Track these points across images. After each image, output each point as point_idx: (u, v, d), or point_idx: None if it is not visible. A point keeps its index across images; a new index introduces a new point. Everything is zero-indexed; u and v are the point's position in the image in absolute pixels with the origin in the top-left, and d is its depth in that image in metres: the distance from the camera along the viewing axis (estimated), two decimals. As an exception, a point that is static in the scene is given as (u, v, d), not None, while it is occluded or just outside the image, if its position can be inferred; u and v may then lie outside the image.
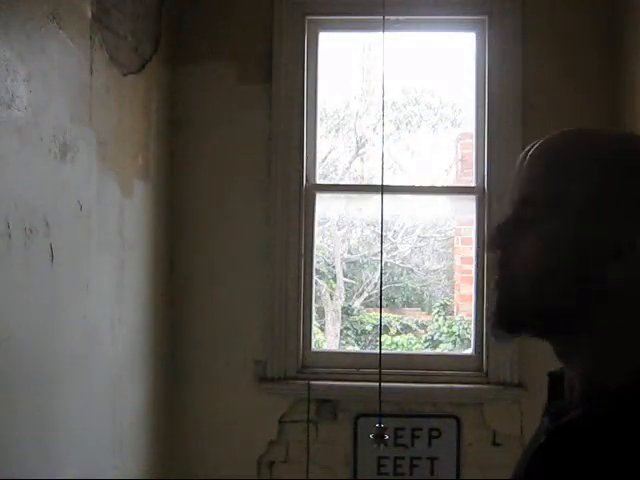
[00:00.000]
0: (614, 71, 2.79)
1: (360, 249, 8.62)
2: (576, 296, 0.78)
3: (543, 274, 0.79)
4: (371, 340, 7.92)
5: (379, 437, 2.28)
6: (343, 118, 8.17)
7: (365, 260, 8.46)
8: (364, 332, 8.04)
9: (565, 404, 0.82)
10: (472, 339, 3.06)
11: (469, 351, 3.15)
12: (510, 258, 0.82)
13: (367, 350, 7.18)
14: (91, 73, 2.09)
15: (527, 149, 0.86)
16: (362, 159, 8.25)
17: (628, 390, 0.72)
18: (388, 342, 7.45)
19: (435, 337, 7.54)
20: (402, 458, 2.85)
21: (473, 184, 3.02)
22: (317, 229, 3.06)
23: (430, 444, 2.85)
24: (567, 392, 0.83)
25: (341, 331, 8.07)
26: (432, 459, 2.85)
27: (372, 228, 8.08)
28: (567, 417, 0.74)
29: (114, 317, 2.32)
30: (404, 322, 8.17)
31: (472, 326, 3.00)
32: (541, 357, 0.85)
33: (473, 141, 3.06)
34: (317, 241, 3.13)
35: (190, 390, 2.92)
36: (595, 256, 0.76)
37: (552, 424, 0.79)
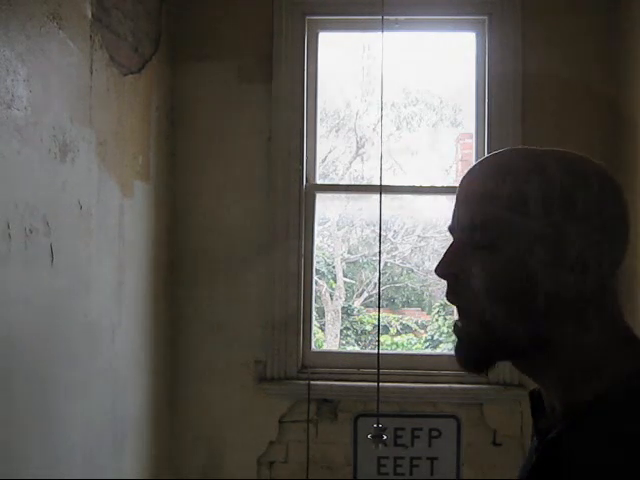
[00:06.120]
0: (614, 71, 2.78)
1: (360, 249, 8.61)
2: (535, 317, 0.77)
3: (502, 301, 0.77)
4: (371, 340, 7.92)
5: (377, 437, 2.28)
6: (343, 118, 8.17)
7: (365, 260, 8.46)
8: (364, 332, 8.05)
9: (550, 422, 0.82)
10: (472, 339, 3.06)
11: (469, 351, 3.15)
12: (464, 287, 0.79)
13: (367, 350, 7.18)
14: (91, 73, 2.09)
15: (470, 169, 0.84)
16: (362, 159, 8.24)
17: (605, 403, 0.73)
18: (388, 342, 7.46)
19: (435, 337, 7.54)
20: (402, 458, 2.85)
21: (473, 184, 3.01)
22: (317, 229, 3.06)
23: (430, 444, 2.85)
24: (549, 410, 0.83)
25: (341, 331, 8.07)
26: (432, 459, 2.85)
27: (372, 228, 8.08)
28: (551, 434, 0.75)
29: (114, 317, 2.32)
30: (404, 322, 8.18)
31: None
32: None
33: (473, 141, 3.06)
34: (317, 241, 3.13)
35: (190, 390, 2.92)
36: (550, 276, 0.75)
37: (541, 444, 0.80)
